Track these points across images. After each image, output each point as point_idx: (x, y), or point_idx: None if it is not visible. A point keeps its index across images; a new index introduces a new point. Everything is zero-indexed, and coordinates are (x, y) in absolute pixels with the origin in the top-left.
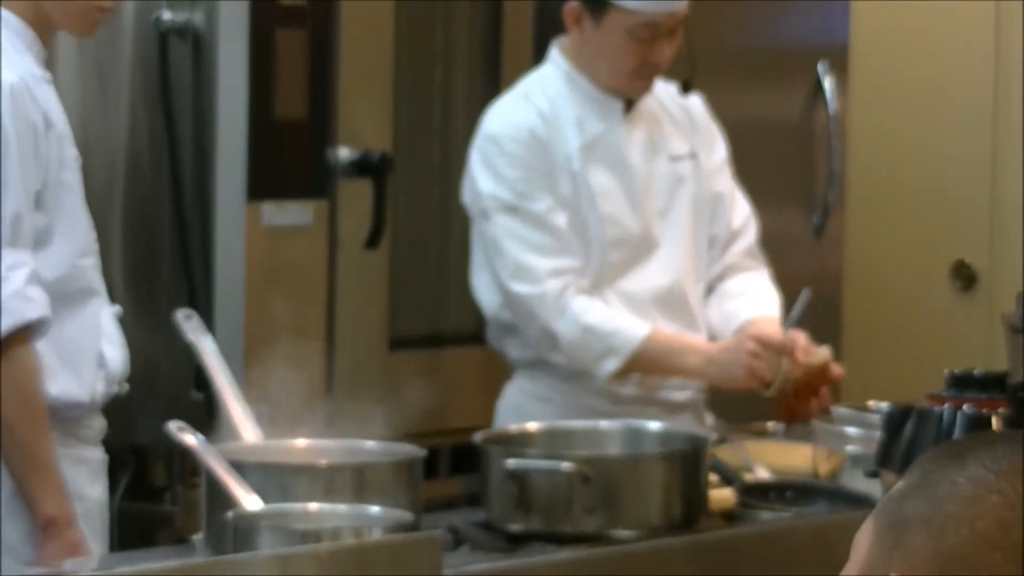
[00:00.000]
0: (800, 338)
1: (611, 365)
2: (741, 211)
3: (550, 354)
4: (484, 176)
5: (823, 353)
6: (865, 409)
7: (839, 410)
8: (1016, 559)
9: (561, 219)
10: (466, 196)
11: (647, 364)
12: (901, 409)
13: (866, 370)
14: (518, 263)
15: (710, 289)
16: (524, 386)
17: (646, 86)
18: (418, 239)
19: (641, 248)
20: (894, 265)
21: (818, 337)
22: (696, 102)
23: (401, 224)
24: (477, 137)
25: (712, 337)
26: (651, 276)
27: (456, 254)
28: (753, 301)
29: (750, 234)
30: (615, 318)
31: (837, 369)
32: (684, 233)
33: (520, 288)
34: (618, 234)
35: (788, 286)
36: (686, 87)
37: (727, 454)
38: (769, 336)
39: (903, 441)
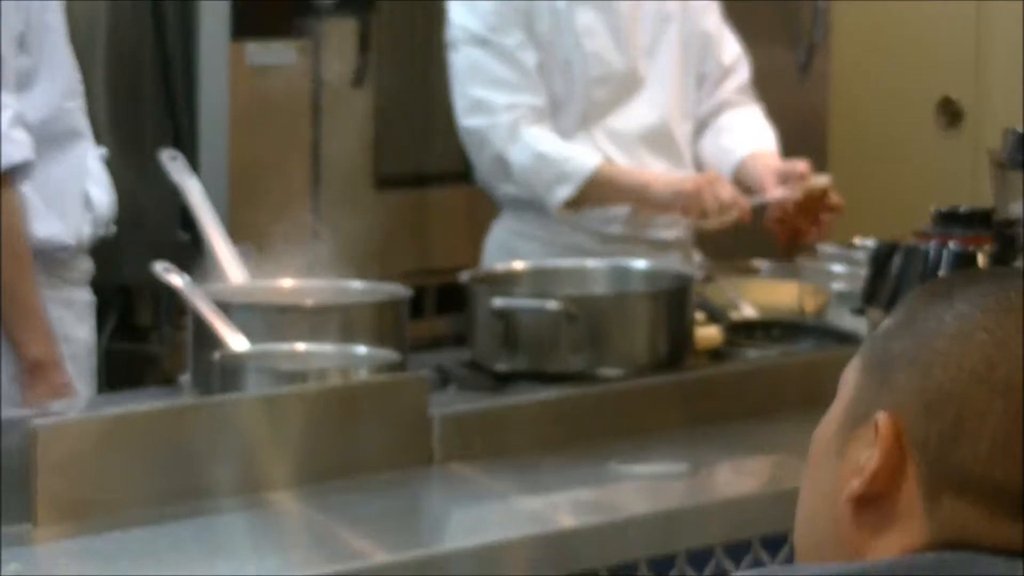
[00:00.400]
0: (800, 164)
1: (564, 192)
2: (731, 49)
3: (502, 183)
4: (458, 5)
5: (823, 179)
6: (851, 246)
7: (825, 247)
8: (1003, 395)
9: (530, 57)
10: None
11: (599, 193)
12: (887, 246)
13: (852, 207)
14: (475, 97)
15: (703, 126)
16: (511, 225)
17: None
18: (403, 77)
19: (627, 86)
20: (879, 102)
21: None
22: None
23: (385, 62)
24: None
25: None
26: (638, 114)
27: (441, 92)
28: (749, 136)
29: (742, 71)
30: (568, 146)
31: (836, 197)
32: (671, 71)
33: (473, 121)
34: (603, 72)
35: (774, 123)
36: None
37: (714, 292)
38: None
39: (889, 278)
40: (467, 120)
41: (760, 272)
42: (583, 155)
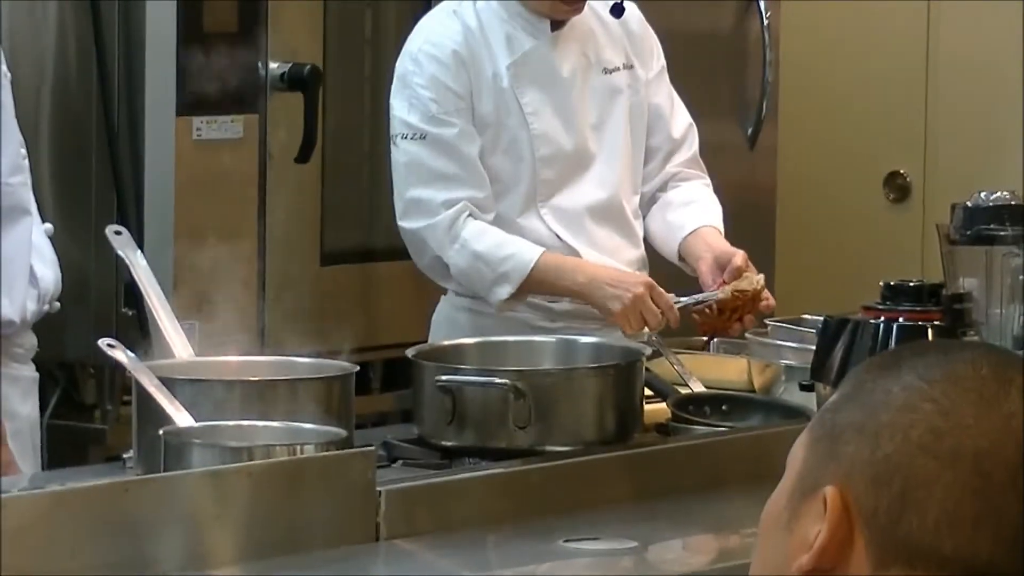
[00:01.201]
0: (739, 257)
1: (503, 292)
2: (682, 120)
3: (443, 281)
4: (399, 100)
5: (757, 279)
6: (800, 322)
7: (773, 323)
8: (950, 465)
9: (471, 147)
10: None
11: (538, 285)
12: (836, 321)
13: (800, 282)
14: (412, 197)
15: (651, 200)
16: (457, 300)
17: (574, 11)
18: (349, 152)
19: (576, 163)
20: (828, 175)
21: (751, 247)
22: (633, 12)
23: (332, 137)
24: (402, 53)
25: (657, 249)
26: (587, 191)
27: (387, 168)
28: (697, 211)
29: (692, 143)
30: (506, 243)
31: (769, 299)
32: (620, 145)
33: (411, 223)
34: (551, 151)
35: (722, 197)
36: (617, 11)
37: (662, 368)
38: (720, 251)
39: (838, 353)
40: (405, 221)
41: (708, 348)
42: (522, 252)
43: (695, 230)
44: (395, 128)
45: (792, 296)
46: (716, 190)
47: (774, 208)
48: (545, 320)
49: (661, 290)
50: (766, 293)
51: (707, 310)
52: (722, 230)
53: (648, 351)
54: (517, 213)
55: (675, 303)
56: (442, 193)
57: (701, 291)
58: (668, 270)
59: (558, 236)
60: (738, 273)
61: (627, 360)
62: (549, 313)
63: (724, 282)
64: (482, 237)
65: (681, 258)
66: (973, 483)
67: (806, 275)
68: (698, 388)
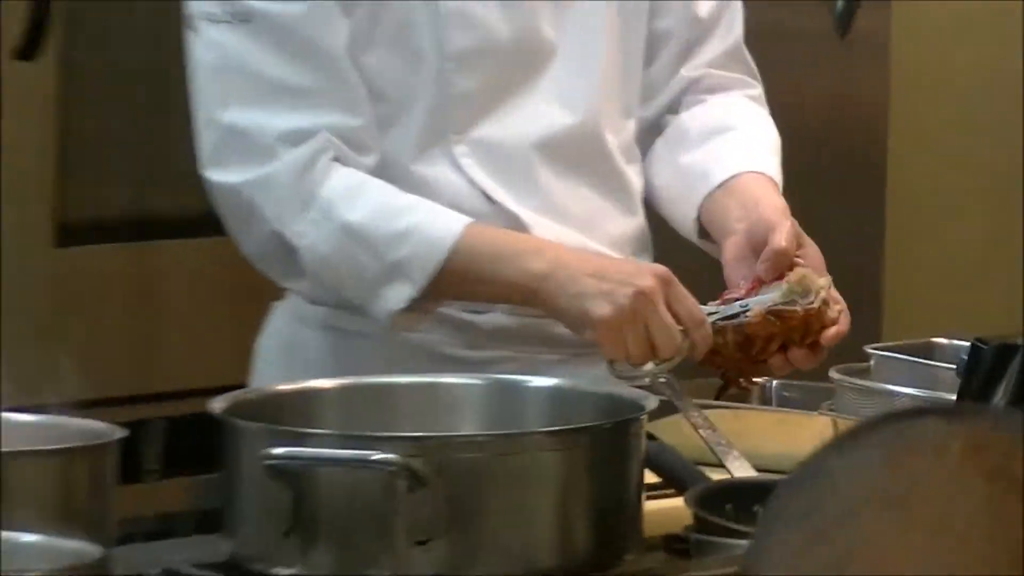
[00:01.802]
0: (779, 234)
1: (399, 294)
2: None
3: (287, 279)
4: None
5: (816, 283)
6: (924, 351)
7: (878, 352)
8: None
9: (332, 36)
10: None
11: (459, 284)
12: (999, 347)
13: (927, 285)
14: (229, 129)
15: (655, 128)
16: (308, 313)
17: None
18: (105, 47)
19: (518, 65)
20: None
21: (835, 222)
22: None
23: (75, 22)
24: None
25: (664, 214)
26: (539, 114)
27: (181, 75)
28: (735, 145)
29: (730, 29)
30: (401, 211)
31: (840, 323)
32: (598, 33)
33: (226, 175)
34: (473, 42)
35: (795, 121)
36: None
37: (678, 433)
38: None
39: (1001, 400)
40: (216, 170)
41: (761, 393)
42: (429, 225)
43: (728, 181)
44: (195, 5)
45: (911, 308)
46: (780, 109)
47: (882, 148)
48: (466, 346)
49: (684, 290)
50: (837, 310)
51: (724, 336)
52: (779, 181)
53: (653, 402)
54: (414, 154)
55: (709, 315)
56: (283, 118)
57: (735, 294)
58: (686, 256)
59: (487, 195)
60: (778, 265)
61: (615, 420)
62: (473, 334)
63: (755, 284)
64: (358, 199)
65: (703, 232)
66: None
67: (933, 273)
68: (742, 471)
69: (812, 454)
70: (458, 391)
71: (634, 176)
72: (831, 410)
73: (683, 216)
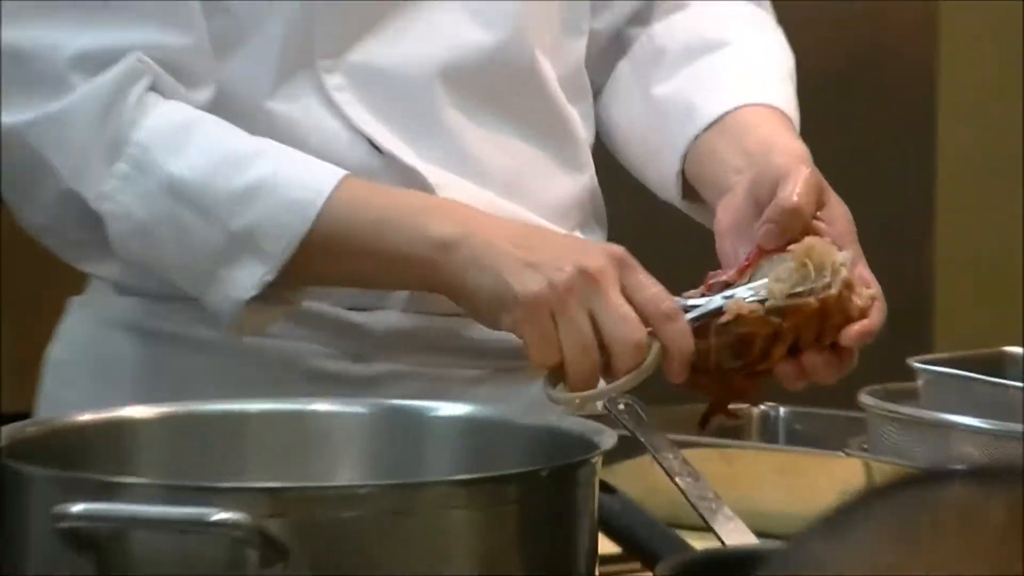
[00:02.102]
0: (794, 181)
1: (248, 277)
2: None
3: (82, 260)
4: None
5: (835, 257)
6: (994, 363)
7: (926, 367)
8: None
9: None
10: None
11: (331, 263)
12: None
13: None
14: (6, 52)
15: (617, 48)
16: (114, 306)
17: None
18: None
19: None
20: None
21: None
22: None
23: None
24: None
25: (632, 168)
26: (441, 30)
27: None
28: (732, 69)
29: None
30: (255, 157)
31: (868, 302)
32: None
33: (6, 118)
34: None
35: (814, 47)
36: None
37: (645, 481)
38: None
39: None
40: None
41: (763, 424)
42: (291, 177)
43: (723, 118)
44: None
45: (972, 307)
46: (792, 26)
47: (930, 84)
48: (346, 358)
49: (646, 276)
50: (868, 296)
51: (707, 338)
52: (795, 118)
53: (609, 439)
54: (268, 86)
55: (685, 309)
56: (79, 35)
57: (723, 276)
58: (666, 235)
59: (371, 142)
60: (786, 228)
61: (556, 465)
62: (357, 339)
63: (753, 259)
64: (186, 144)
65: (689, 191)
66: None
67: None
68: (735, 536)
69: (796, 534)
70: (334, 423)
71: (581, 117)
72: (862, 449)
73: (660, 170)
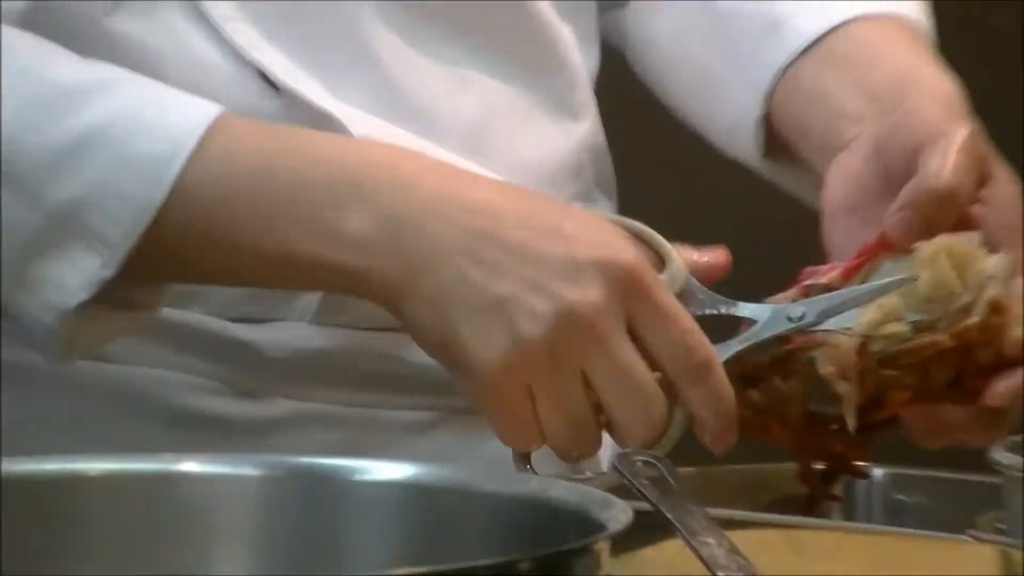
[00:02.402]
0: (953, 136)
1: (79, 273)
2: None
3: None
4: None
5: (980, 263)
6: None
7: None
8: None
9: None
10: None
11: (203, 244)
12: None
13: None
14: None
15: None
16: None
17: None
18: None
19: None
20: None
21: None
22: None
23: None
24: None
25: (684, 114)
26: None
27: None
28: None
29: None
30: (92, 93)
31: None
32: None
33: None
34: None
35: None
36: None
37: (669, 572)
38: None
39: None
40: None
41: (850, 486)
42: (140, 121)
43: (828, 36)
44: None
45: None
46: None
47: None
48: (231, 392)
49: (662, 296)
50: None
51: (789, 374)
52: (929, 36)
53: (621, 516)
54: None
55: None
56: None
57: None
58: (683, 219)
59: (265, 75)
60: (932, 218)
61: (541, 554)
62: (247, 365)
63: (867, 255)
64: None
65: (774, 147)
66: None
67: None
68: None
69: None
70: (212, 490)
71: (578, 40)
72: (996, 530)
73: (728, 113)
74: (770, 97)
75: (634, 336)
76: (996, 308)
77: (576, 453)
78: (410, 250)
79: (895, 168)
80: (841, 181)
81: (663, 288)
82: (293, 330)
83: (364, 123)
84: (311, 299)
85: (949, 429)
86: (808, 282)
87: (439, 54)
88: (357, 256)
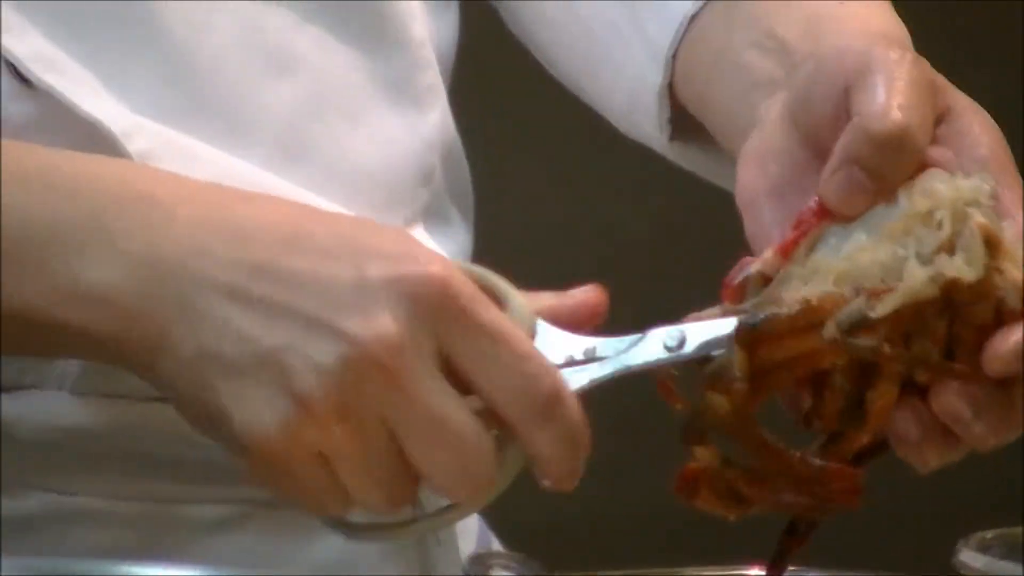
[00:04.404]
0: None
1: None
2: None
3: None
4: None
5: (968, 185)
6: None
7: None
8: None
9: None
10: None
11: None
12: None
13: None
14: None
15: None
16: None
17: None
18: None
19: None
20: None
21: None
22: None
23: None
24: None
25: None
26: None
27: None
28: None
29: None
30: None
31: None
32: None
33: None
34: None
35: None
36: None
37: None
38: None
39: None
40: None
41: None
42: None
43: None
44: None
45: None
46: None
47: None
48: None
49: (487, 313)
50: None
51: (729, 390)
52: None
53: None
54: None
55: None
56: None
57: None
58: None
59: (17, 69)
60: (878, 171)
61: None
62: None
63: (801, 228)
64: None
65: (682, 125)
66: None
67: None
68: None
69: None
70: None
71: (421, 7)
72: None
73: (627, 81)
74: (674, 60)
75: (453, 368)
76: (988, 242)
77: (398, 505)
78: (166, 300)
79: (820, 128)
80: (757, 163)
81: (486, 304)
82: (49, 401)
83: (141, 131)
84: (71, 360)
85: (954, 422)
86: (739, 279)
87: (245, 29)
88: (104, 315)
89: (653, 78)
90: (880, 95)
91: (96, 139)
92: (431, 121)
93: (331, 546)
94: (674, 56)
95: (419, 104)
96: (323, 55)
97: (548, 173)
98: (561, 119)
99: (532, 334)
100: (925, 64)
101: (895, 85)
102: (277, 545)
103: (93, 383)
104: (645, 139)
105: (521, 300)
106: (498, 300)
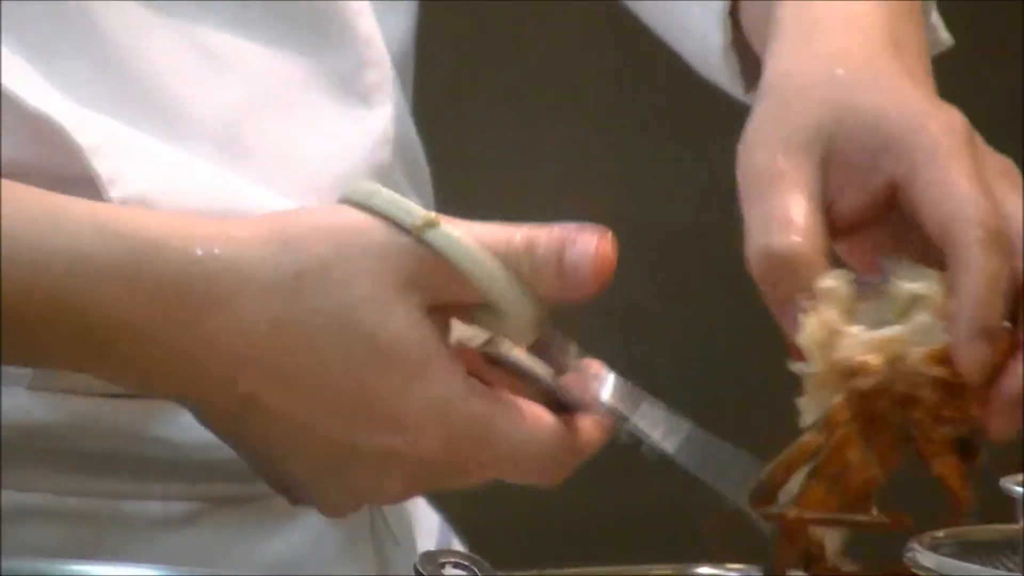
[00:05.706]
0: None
1: None
2: None
3: None
4: None
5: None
6: None
7: None
8: None
9: None
10: None
11: None
12: None
13: None
14: None
15: None
16: None
17: None
18: None
19: None
20: None
21: None
22: None
23: None
24: None
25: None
26: None
27: None
28: None
29: None
30: None
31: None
32: None
33: None
34: None
35: None
36: None
37: None
38: None
39: None
40: None
41: None
42: None
43: None
44: None
45: None
46: None
47: None
48: None
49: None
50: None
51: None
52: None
53: None
54: None
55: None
56: None
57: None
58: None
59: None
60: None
61: None
62: None
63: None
64: None
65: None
66: None
67: None
68: None
69: None
70: None
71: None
72: None
73: (695, 37)
74: (736, 18)
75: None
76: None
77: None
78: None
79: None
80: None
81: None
82: (5, 398)
83: (91, 125)
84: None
85: None
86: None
87: (184, 25)
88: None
89: (715, 38)
90: (972, 280)
91: (44, 135)
92: (380, 116)
93: (285, 544)
94: (736, 14)
95: (367, 100)
96: (263, 54)
97: (520, 166)
98: (534, 112)
99: (534, 337)
100: (964, 124)
101: (978, 266)
102: (231, 543)
103: (49, 379)
104: (728, 89)
105: (519, 309)
106: (495, 311)
